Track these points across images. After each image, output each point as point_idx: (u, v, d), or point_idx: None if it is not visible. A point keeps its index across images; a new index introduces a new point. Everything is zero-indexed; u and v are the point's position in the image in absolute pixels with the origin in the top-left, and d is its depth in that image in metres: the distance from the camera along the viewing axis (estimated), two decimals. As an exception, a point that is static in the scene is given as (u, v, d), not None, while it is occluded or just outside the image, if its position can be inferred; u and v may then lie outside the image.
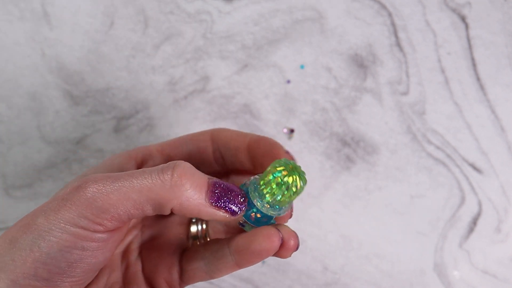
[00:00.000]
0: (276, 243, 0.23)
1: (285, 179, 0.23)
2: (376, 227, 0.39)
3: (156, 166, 0.22)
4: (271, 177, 0.23)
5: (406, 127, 0.38)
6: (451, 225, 0.38)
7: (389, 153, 0.39)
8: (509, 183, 0.38)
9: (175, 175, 0.21)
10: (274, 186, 0.23)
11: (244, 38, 0.38)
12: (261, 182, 0.23)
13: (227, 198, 0.22)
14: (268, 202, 0.23)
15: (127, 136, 0.38)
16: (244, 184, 0.24)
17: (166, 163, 0.27)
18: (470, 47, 0.38)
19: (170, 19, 0.38)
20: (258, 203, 0.23)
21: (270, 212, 0.23)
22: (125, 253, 0.27)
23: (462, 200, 0.38)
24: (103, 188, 0.21)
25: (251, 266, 0.32)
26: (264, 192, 0.23)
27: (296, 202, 0.38)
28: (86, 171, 0.26)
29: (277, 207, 0.23)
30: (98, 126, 0.38)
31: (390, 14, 0.38)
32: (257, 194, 0.23)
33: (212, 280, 0.38)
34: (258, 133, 0.39)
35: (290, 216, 0.25)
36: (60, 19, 0.38)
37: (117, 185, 0.21)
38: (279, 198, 0.23)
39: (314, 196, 0.39)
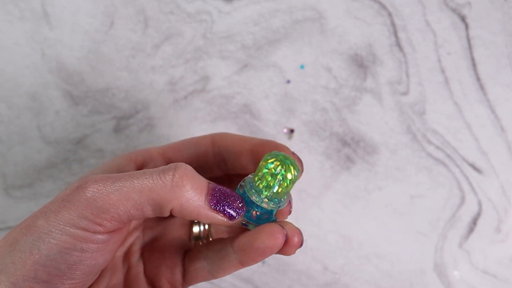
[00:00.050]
0: (280, 240, 0.23)
1: (278, 169, 0.23)
2: (376, 227, 0.39)
3: (157, 168, 0.22)
4: (264, 170, 0.23)
5: (406, 127, 0.38)
6: (451, 225, 0.38)
7: (389, 153, 0.39)
8: (509, 183, 0.38)
9: (177, 176, 0.21)
10: (269, 178, 0.23)
11: (244, 38, 0.39)
12: (256, 178, 0.23)
13: (226, 202, 0.23)
14: (266, 196, 0.23)
15: (127, 136, 0.38)
16: (239, 186, 0.24)
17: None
18: (470, 47, 0.38)
19: (170, 19, 0.38)
20: (257, 199, 0.23)
21: (270, 206, 0.23)
22: (127, 255, 0.27)
23: (462, 200, 0.38)
24: (104, 188, 0.21)
25: (251, 266, 0.32)
26: (261, 187, 0.23)
27: (296, 202, 0.38)
28: (85, 175, 0.26)
29: (276, 200, 0.23)
30: (98, 126, 0.38)
31: (390, 14, 0.38)
32: (254, 191, 0.23)
33: (212, 280, 0.38)
34: (258, 133, 0.39)
35: (289, 213, 0.25)
36: (60, 19, 0.38)
37: (117, 185, 0.21)
38: (275, 189, 0.23)
39: (314, 196, 0.39)
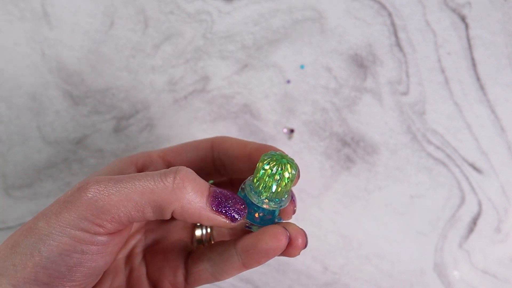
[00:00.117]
0: (283, 241, 0.23)
1: (275, 168, 0.23)
2: (376, 227, 0.39)
3: (159, 170, 0.22)
4: (261, 171, 0.23)
5: (406, 127, 0.38)
6: (451, 225, 0.38)
7: (389, 153, 0.39)
8: (509, 183, 0.38)
9: (178, 178, 0.21)
10: (267, 179, 0.23)
11: (244, 38, 0.39)
12: (254, 180, 0.23)
13: (227, 204, 0.23)
14: (266, 197, 0.23)
15: (127, 136, 0.38)
16: (241, 189, 0.24)
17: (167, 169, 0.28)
18: (470, 47, 0.38)
19: (170, 19, 0.38)
20: (258, 201, 0.23)
21: (272, 206, 0.23)
22: (129, 257, 0.27)
23: (462, 200, 0.38)
24: (105, 189, 0.21)
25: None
26: (260, 189, 0.23)
27: (296, 202, 0.38)
28: (89, 177, 0.26)
29: (277, 200, 0.23)
30: (98, 126, 0.38)
31: (390, 14, 0.38)
32: (253, 193, 0.23)
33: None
34: (258, 133, 0.39)
35: (294, 212, 0.25)
36: (60, 19, 0.38)
37: (119, 186, 0.21)
38: (274, 189, 0.23)
39: (314, 196, 0.39)
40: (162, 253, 0.27)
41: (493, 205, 0.38)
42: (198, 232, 0.28)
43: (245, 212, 0.23)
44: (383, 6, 0.38)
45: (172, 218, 0.22)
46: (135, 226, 0.28)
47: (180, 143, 0.39)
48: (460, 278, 0.38)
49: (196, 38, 0.38)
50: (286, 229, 0.23)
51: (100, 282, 0.25)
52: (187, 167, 0.27)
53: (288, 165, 0.23)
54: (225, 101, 0.39)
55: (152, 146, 0.39)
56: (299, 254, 0.24)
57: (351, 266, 0.39)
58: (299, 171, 0.24)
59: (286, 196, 0.24)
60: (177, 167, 0.22)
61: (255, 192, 0.23)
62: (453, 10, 0.38)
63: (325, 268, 0.39)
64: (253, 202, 0.23)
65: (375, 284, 0.39)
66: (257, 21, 0.38)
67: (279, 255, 0.24)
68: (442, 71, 0.38)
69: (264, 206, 0.23)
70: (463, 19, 0.38)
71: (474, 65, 0.38)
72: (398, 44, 0.38)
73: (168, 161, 0.28)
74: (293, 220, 0.26)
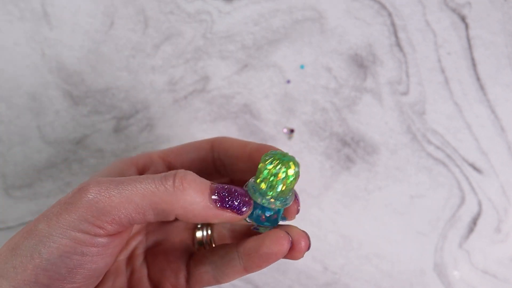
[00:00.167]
0: (285, 246, 0.23)
1: (278, 167, 0.23)
2: (376, 227, 0.39)
3: (159, 174, 0.22)
4: (265, 171, 0.23)
5: (406, 127, 0.38)
6: (451, 225, 0.38)
7: (389, 153, 0.39)
8: (509, 183, 0.38)
9: (177, 181, 0.21)
10: (271, 178, 0.23)
11: (244, 38, 0.39)
12: (258, 181, 0.23)
13: (232, 197, 0.22)
14: (272, 197, 0.23)
15: (127, 136, 0.38)
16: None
17: (167, 170, 0.28)
18: (470, 47, 0.38)
19: (170, 19, 0.38)
20: (263, 201, 0.23)
21: (277, 205, 0.23)
22: (130, 259, 0.27)
23: (462, 200, 0.38)
24: (106, 190, 0.21)
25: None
26: (264, 189, 0.23)
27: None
28: (90, 179, 0.26)
29: (282, 198, 0.23)
30: (98, 126, 0.38)
31: (390, 14, 0.38)
32: (258, 193, 0.23)
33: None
34: (258, 133, 0.39)
35: (298, 211, 0.25)
36: (60, 19, 0.38)
37: (120, 188, 0.21)
38: (279, 188, 0.23)
39: (314, 196, 0.39)
40: (163, 255, 0.27)
41: (493, 205, 0.38)
42: (199, 234, 0.28)
43: (250, 203, 0.23)
44: (383, 6, 0.38)
45: (174, 219, 0.22)
46: (136, 227, 0.28)
47: (180, 143, 0.39)
48: (460, 278, 0.38)
49: (196, 38, 0.38)
50: (288, 233, 0.23)
51: (101, 283, 0.25)
52: (187, 167, 0.27)
53: (291, 163, 0.23)
54: (225, 101, 0.39)
55: (152, 146, 0.39)
56: (302, 256, 0.24)
57: (351, 266, 0.39)
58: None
59: (290, 194, 0.24)
60: (176, 170, 0.22)
61: (260, 193, 0.23)
62: (453, 10, 0.38)
63: (325, 268, 0.39)
64: (258, 202, 0.23)
65: (375, 284, 0.39)
66: (257, 21, 0.38)
67: (283, 258, 0.24)
68: (442, 71, 0.38)
69: (271, 206, 0.23)
70: (463, 19, 0.38)
71: (474, 65, 0.38)
72: (398, 44, 0.38)
73: (169, 161, 0.28)
74: (293, 220, 0.26)
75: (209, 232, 0.28)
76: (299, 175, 0.24)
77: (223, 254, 0.25)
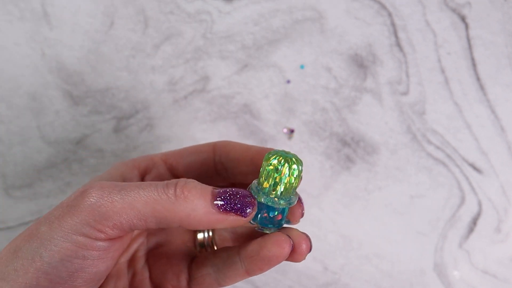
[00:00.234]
0: (286, 249, 0.23)
1: (282, 162, 0.23)
2: (376, 227, 0.39)
3: (162, 181, 0.22)
4: (268, 168, 0.23)
5: (406, 127, 0.38)
6: (451, 225, 0.38)
7: (389, 153, 0.39)
8: (509, 183, 0.38)
9: (178, 190, 0.21)
10: (275, 175, 0.23)
11: (244, 38, 0.39)
12: (261, 180, 0.23)
13: (235, 200, 0.22)
14: (276, 196, 0.23)
15: (127, 136, 0.38)
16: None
17: (169, 172, 0.28)
18: (470, 47, 0.38)
19: (170, 19, 0.38)
20: (267, 200, 0.23)
21: (281, 204, 0.23)
22: (132, 261, 0.27)
23: (462, 200, 0.38)
24: (108, 195, 0.21)
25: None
26: (268, 188, 0.23)
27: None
28: (91, 181, 0.26)
29: (286, 197, 0.23)
30: (98, 126, 0.38)
31: (390, 14, 0.38)
32: (261, 193, 0.23)
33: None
34: (258, 133, 0.39)
35: (302, 215, 0.25)
36: (60, 19, 0.38)
37: (122, 193, 0.21)
38: (283, 185, 0.23)
39: (314, 196, 0.39)
40: (165, 257, 0.27)
41: (493, 205, 0.38)
42: (200, 236, 0.28)
43: (254, 204, 0.23)
44: (383, 6, 0.38)
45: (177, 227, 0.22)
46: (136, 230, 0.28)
47: (180, 143, 0.39)
48: (460, 278, 0.38)
49: (196, 38, 0.38)
50: (289, 236, 0.23)
51: (102, 286, 0.25)
52: (189, 170, 0.27)
53: (294, 159, 0.23)
54: (225, 101, 0.39)
55: (152, 146, 0.39)
56: (304, 259, 0.24)
57: (351, 266, 0.39)
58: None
59: (294, 193, 0.24)
60: (178, 179, 0.22)
61: (263, 192, 0.23)
62: (453, 10, 0.38)
63: (325, 268, 0.39)
64: (262, 202, 0.23)
65: (375, 284, 0.39)
66: (257, 21, 0.38)
67: (284, 261, 0.24)
68: (442, 71, 0.38)
69: (275, 205, 0.23)
70: (463, 19, 0.38)
71: (474, 65, 0.38)
72: (398, 44, 0.38)
73: (170, 164, 0.28)
74: (297, 224, 0.26)
75: (210, 233, 0.28)
76: (302, 175, 0.24)
77: (225, 257, 0.25)
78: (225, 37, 0.38)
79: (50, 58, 0.38)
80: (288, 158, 0.23)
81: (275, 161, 0.23)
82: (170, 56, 0.38)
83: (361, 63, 0.39)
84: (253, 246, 0.24)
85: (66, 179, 0.38)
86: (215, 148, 0.27)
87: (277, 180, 0.23)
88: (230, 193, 0.22)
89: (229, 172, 0.27)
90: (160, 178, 0.28)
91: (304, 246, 0.23)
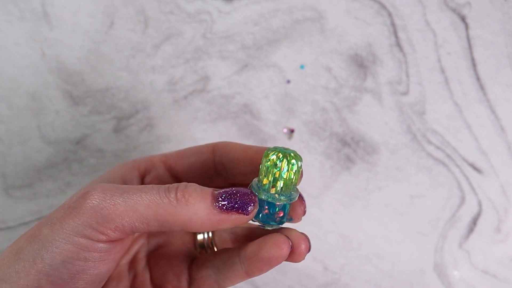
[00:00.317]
0: (285, 250, 0.23)
1: (281, 157, 0.23)
2: (376, 227, 0.39)
3: (164, 185, 0.22)
4: (267, 164, 0.23)
5: (406, 127, 0.38)
6: (451, 225, 0.38)
7: (389, 153, 0.39)
8: (509, 183, 0.38)
9: (179, 194, 0.22)
10: (274, 170, 0.23)
11: (244, 38, 0.39)
12: (261, 177, 0.23)
13: (236, 199, 0.22)
14: (276, 192, 0.23)
15: (127, 136, 0.38)
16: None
17: (169, 174, 0.28)
18: (470, 47, 0.38)
19: (170, 19, 0.38)
20: (267, 196, 0.23)
21: (282, 200, 0.23)
22: (132, 263, 0.27)
23: (462, 200, 0.38)
24: (111, 197, 0.21)
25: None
26: (268, 184, 0.23)
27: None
28: (92, 183, 0.26)
29: (286, 193, 0.23)
30: (98, 126, 0.38)
31: (390, 14, 0.38)
32: (262, 190, 0.23)
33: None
34: (258, 133, 0.39)
35: (304, 213, 0.25)
36: (60, 19, 0.38)
37: (125, 196, 0.21)
38: (282, 180, 0.23)
39: (314, 196, 0.39)
40: (165, 258, 0.27)
41: (493, 205, 0.38)
42: (200, 236, 0.28)
43: (256, 200, 0.23)
44: (383, 6, 0.38)
45: (179, 230, 0.22)
46: None
47: (180, 143, 0.39)
48: (460, 278, 0.38)
49: (196, 38, 0.38)
50: (288, 236, 0.23)
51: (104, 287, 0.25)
52: (188, 171, 0.27)
53: (293, 154, 0.23)
54: (225, 101, 0.39)
55: (152, 146, 0.39)
56: (303, 259, 0.24)
57: (351, 266, 0.39)
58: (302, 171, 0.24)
59: (295, 190, 0.24)
60: (179, 183, 0.22)
61: (264, 189, 0.23)
62: (453, 10, 0.38)
63: (325, 268, 0.39)
64: (263, 199, 0.23)
65: (375, 284, 0.39)
66: (257, 21, 0.38)
67: (284, 261, 0.24)
68: (442, 71, 0.38)
69: (275, 201, 0.23)
70: (463, 19, 0.38)
71: (474, 65, 0.38)
72: (398, 44, 0.38)
73: (170, 165, 0.28)
74: (299, 222, 0.26)
75: (210, 234, 0.28)
76: (302, 171, 0.24)
77: (225, 258, 0.25)
78: (225, 37, 0.38)
79: (50, 58, 0.38)
80: (286, 153, 0.23)
81: (273, 157, 0.23)
82: (170, 56, 0.38)
83: (361, 63, 0.39)
84: (252, 247, 0.24)
85: (66, 179, 0.38)
86: (215, 149, 0.27)
87: (277, 175, 0.23)
88: (230, 192, 0.22)
89: (229, 173, 0.27)
90: (159, 179, 0.28)
91: (303, 247, 0.23)
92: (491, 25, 0.38)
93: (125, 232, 0.21)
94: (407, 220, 0.39)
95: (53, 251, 0.20)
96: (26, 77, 0.38)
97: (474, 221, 0.38)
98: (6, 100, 0.38)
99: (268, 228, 0.24)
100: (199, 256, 0.28)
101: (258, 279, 0.38)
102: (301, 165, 0.23)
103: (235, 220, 0.22)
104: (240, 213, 0.22)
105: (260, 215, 0.24)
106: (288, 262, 0.39)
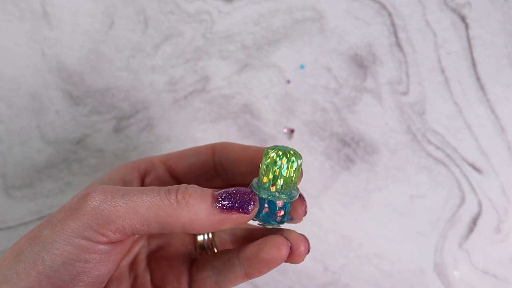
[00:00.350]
0: (284, 252, 0.23)
1: (280, 155, 0.23)
2: (376, 227, 0.39)
3: (164, 187, 0.22)
4: (267, 162, 0.23)
5: (406, 127, 0.38)
6: (451, 225, 0.38)
7: (389, 153, 0.39)
8: (509, 183, 0.38)
9: (179, 196, 0.22)
10: (274, 168, 0.23)
11: (244, 38, 0.39)
12: (260, 176, 0.23)
13: (236, 198, 0.22)
14: (276, 190, 0.23)
15: (127, 136, 0.38)
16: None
17: (169, 174, 0.28)
18: (470, 47, 0.38)
19: (170, 19, 0.38)
20: (268, 195, 0.23)
21: (282, 198, 0.23)
22: (133, 264, 0.27)
23: (462, 200, 0.38)
24: (112, 199, 0.21)
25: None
26: (268, 182, 0.23)
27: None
28: (92, 183, 0.26)
29: (287, 192, 0.23)
30: (98, 126, 0.38)
31: (390, 14, 0.38)
32: (262, 189, 0.23)
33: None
34: (258, 133, 0.39)
35: (305, 213, 0.25)
36: (60, 19, 0.38)
37: (126, 198, 0.21)
38: (282, 178, 0.23)
39: (314, 196, 0.39)
40: (166, 260, 0.27)
41: (493, 205, 0.38)
42: (200, 237, 0.28)
43: (256, 199, 0.23)
44: (383, 6, 0.38)
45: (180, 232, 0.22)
46: None
47: (180, 143, 0.39)
48: (460, 278, 0.38)
49: (196, 38, 0.38)
50: (287, 238, 0.23)
51: None
52: (188, 172, 0.27)
53: (292, 152, 0.23)
54: (225, 101, 0.39)
55: (152, 146, 0.39)
56: (303, 260, 0.24)
57: (351, 266, 0.39)
58: (302, 171, 0.24)
59: (295, 188, 0.24)
60: (179, 185, 0.22)
61: (264, 188, 0.23)
62: (453, 10, 0.38)
63: (325, 268, 0.39)
64: (263, 197, 0.23)
65: (375, 284, 0.39)
66: (257, 21, 0.38)
67: (284, 262, 0.24)
68: (442, 71, 0.38)
69: (276, 200, 0.23)
70: (463, 19, 0.38)
71: (474, 65, 0.38)
72: (398, 44, 0.38)
73: (170, 166, 0.28)
74: (300, 222, 0.26)
75: (210, 236, 0.28)
76: (302, 170, 0.24)
77: (225, 259, 0.25)
78: (225, 37, 0.38)
79: (50, 58, 0.38)
80: (286, 151, 0.23)
81: (273, 155, 0.23)
82: (170, 56, 0.38)
83: (361, 63, 0.39)
84: (252, 248, 0.24)
85: (66, 179, 0.38)
86: (214, 149, 0.27)
87: (276, 173, 0.23)
88: (230, 192, 0.22)
89: (229, 173, 0.27)
90: (159, 180, 0.28)
91: (302, 248, 0.23)
92: (491, 25, 0.38)
93: (126, 233, 0.21)
94: (407, 220, 0.39)
95: (54, 253, 0.20)
96: (26, 77, 0.38)
97: (474, 221, 0.38)
98: (6, 100, 0.38)
99: (269, 227, 0.24)
100: (199, 257, 0.28)
101: (258, 279, 0.38)
102: (301, 163, 0.23)
103: (236, 219, 0.22)
104: (241, 212, 0.22)
105: (261, 214, 0.24)
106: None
